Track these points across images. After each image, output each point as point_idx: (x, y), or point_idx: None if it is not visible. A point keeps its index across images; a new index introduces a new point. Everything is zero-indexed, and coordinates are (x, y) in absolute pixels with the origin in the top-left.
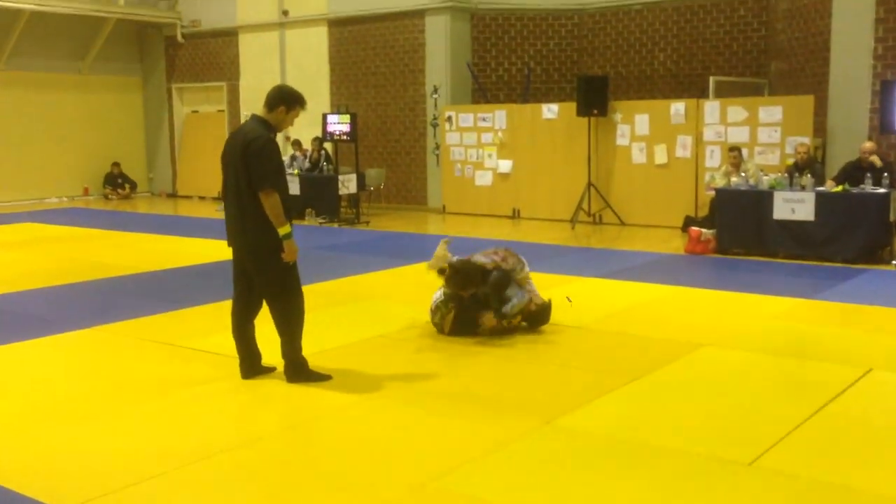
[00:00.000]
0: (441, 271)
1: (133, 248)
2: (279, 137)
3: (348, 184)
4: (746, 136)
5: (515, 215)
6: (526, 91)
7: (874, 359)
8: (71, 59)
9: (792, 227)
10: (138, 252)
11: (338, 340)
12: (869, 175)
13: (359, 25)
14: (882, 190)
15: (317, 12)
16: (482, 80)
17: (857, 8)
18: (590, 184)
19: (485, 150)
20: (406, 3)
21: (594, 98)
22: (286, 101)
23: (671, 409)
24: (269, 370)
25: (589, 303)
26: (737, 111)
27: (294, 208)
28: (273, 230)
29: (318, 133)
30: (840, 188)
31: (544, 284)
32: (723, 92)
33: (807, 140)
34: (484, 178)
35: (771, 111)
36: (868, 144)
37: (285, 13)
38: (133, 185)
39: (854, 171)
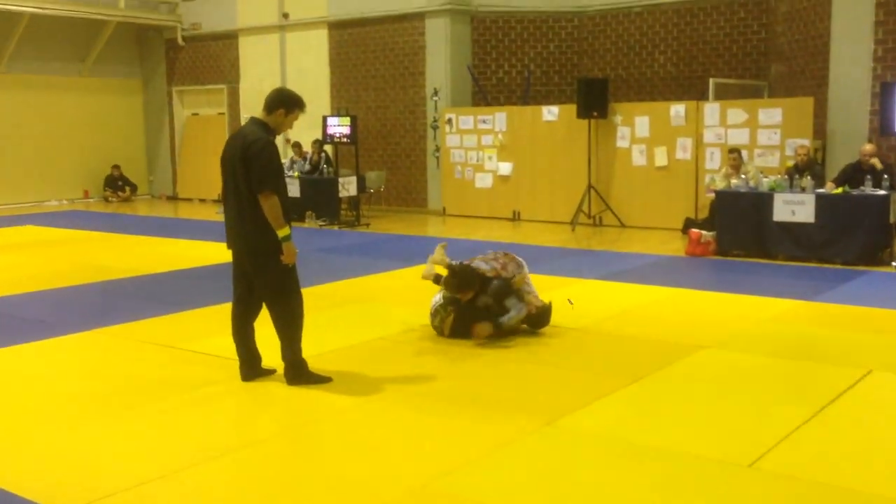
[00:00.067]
0: (436, 280)
1: (133, 250)
2: (279, 140)
3: (348, 186)
4: (746, 138)
5: (516, 217)
6: (526, 93)
7: (874, 360)
8: (71, 62)
9: (792, 229)
10: (138, 255)
11: (338, 342)
12: (869, 177)
13: (359, 28)
14: (882, 192)
15: (317, 15)
16: (482, 83)
17: (856, 10)
18: (590, 186)
19: (485, 153)
20: (406, 5)
21: (594, 100)
22: (285, 103)
23: (671, 411)
24: (270, 372)
25: (589, 305)
26: (737, 113)
27: (294, 211)
28: (272, 232)
29: (319, 135)
30: (840, 190)
31: (544, 286)
32: (723, 94)
33: (807, 142)
34: (484, 181)
35: (771, 113)
36: (868, 147)
37: (285, 16)
38: (133, 188)
39: (854, 174)
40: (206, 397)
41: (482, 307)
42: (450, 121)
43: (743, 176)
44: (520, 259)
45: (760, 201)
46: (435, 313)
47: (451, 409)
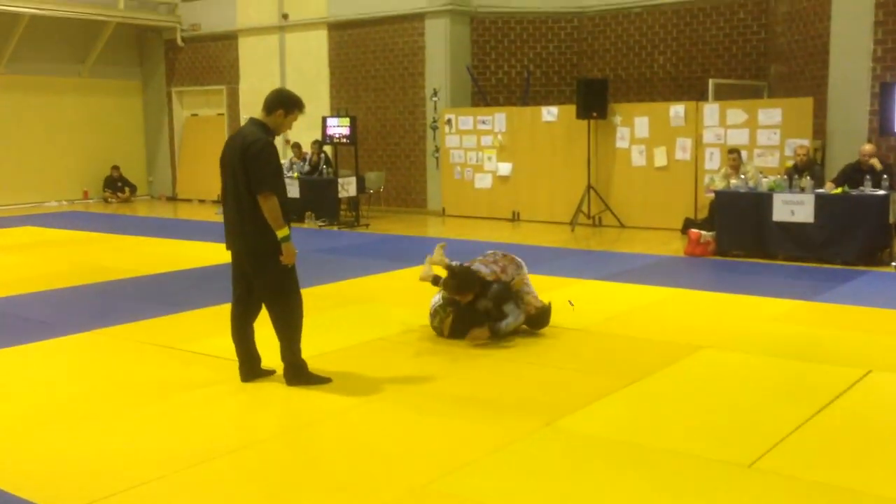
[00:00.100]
0: (434, 281)
1: (133, 251)
2: (279, 141)
3: (348, 187)
4: (746, 138)
5: (515, 218)
6: (525, 94)
7: (874, 360)
8: (71, 63)
9: (791, 229)
10: (138, 255)
11: (337, 343)
12: (868, 177)
13: (358, 29)
14: (881, 192)
15: (316, 16)
16: (482, 83)
17: (856, 11)
18: (589, 186)
19: (484, 153)
20: (406, 6)
21: (594, 101)
22: (284, 104)
23: (671, 411)
24: (269, 373)
25: (589, 305)
26: (736, 113)
27: (293, 211)
28: (272, 233)
29: (318, 136)
30: (839, 190)
31: (544, 287)
32: (722, 94)
33: (806, 142)
34: (484, 181)
35: (770, 113)
36: (868, 147)
37: (285, 17)
38: (133, 189)
39: (853, 174)
40: (205, 398)
41: (481, 310)
42: (449, 121)
43: (742, 176)
44: (519, 259)
45: (760, 201)
46: (434, 314)
47: (451, 410)
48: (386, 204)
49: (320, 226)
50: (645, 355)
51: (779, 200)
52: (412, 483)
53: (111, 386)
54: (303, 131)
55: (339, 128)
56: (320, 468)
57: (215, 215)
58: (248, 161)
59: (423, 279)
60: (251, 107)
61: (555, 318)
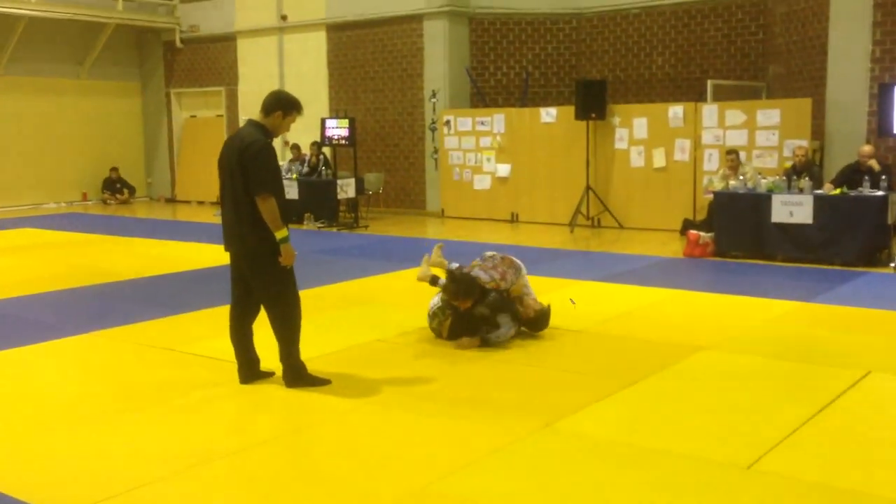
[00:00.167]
0: (432, 282)
1: (131, 253)
2: (277, 142)
3: (347, 188)
4: (744, 139)
5: (514, 219)
6: (524, 95)
7: (873, 361)
8: (69, 65)
9: (790, 230)
10: (137, 257)
11: (336, 345)
12: (867, 178)
13: (357, 30)
14: (880, 193)
15: (315, 17)
16: (480, 85)
17: (854, 11)
18: (588, 187)
19: (483, 154)
20: (404, 7)
21: (592, 102)
22: (283, 106)
23: (670, 413)
24: (268, 375)
25: (588, 306)
26: (735, 114)
27: (292, 213)
28: (270, 234)
29: (317, 137)
30: (838, 191)
31: (543, 288)
32: (721, 95)
33: (805, 143)
34: (482, 182)
35: (769, 114)
36: (867, 148)
37: (284, 18)
38: (131, 190)
39: (852, 175)
40: (204, 400)
41: (479, 316)
42: (448, 122)
43: (741, 177)
44: (518, 262)
45: (758, 202)
46: (433, 315)
47: (450, 412)
48: (385, 205)
49: (319, 227)
50: (644, 356)
51: (777, 201)
52: (412, 484)
53: (110, 388)
54: (302, 133)
55: (337, 129)
56: (320, 470)
57: (214, 217)
58: (247, 162)
59: (420, 279)
60: (250, 108)
61: (554, 319)
